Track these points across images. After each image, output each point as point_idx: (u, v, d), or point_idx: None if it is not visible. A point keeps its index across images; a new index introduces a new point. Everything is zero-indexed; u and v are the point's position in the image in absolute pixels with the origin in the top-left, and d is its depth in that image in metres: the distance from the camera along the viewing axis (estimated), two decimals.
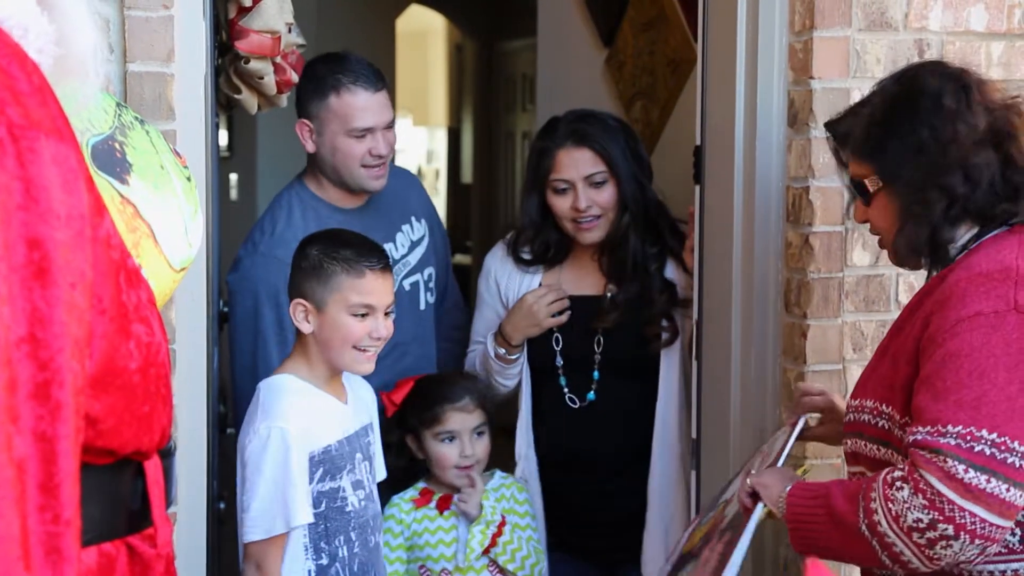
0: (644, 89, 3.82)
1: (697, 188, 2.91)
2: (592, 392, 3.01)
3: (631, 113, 3.86)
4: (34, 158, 1.04)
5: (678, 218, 3.06)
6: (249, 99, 2.83)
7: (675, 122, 3.65)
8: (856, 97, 2.68)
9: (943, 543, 1.68)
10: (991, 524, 1.67)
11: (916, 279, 2.72)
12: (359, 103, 2.90)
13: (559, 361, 3.03)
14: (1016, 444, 1.67)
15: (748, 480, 2.01)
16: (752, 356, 2.78)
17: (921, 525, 1.69)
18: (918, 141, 1.90)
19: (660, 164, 3.33)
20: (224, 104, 2.90)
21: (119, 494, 1.26)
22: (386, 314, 2.46)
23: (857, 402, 2.01)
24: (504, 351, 2.99)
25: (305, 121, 2.95)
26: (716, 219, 2.85)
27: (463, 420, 2.82)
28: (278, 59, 2.79)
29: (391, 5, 7.95)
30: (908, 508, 1.70)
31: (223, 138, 6.70)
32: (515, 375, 3.05)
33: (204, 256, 2.44)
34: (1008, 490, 1.66)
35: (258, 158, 6.86)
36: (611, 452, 3.00)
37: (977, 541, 1.68)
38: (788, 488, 1.92)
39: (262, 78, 2.77)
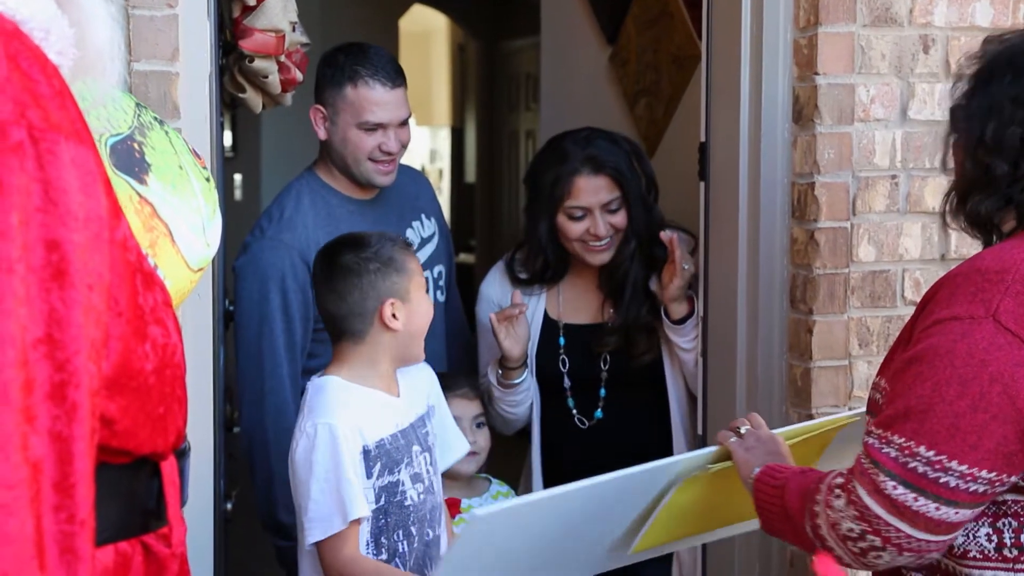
0: (648, 86, 3.82)
1: (702, 185, 2.91)
2: (599, 410, 3.02)
3: (635, 111, 3.86)
4: (53, 160, 1.04)
5: (673, 222, 3.03)
6: (254, 98, 2.84)
7: (679, 119, 3.65)
8: (861, 93, 2.69)
9: (874, 553, 1.70)
10: (917, 539, 1.67)
11: (921, 274, 2.73)
12: (374, 97, 2.87)
13: (567, 383, 3.03)
14: (954, 463, 1.64)
15: (732, 440, 1.98)
16: (758, 352, 2.78)
17: (853, 535, 1.70)
18: None
19: (665, 161, 3.33)
20: (228, 103, 2.91)
21: (135, 493, 1.26)
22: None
23: (875, 380, 2.00)
24: (502, 372, 2.97)
25: (319, 107, 2.93)
26: (721, 216, 2.85)
27: (463, 407, 2.84)
28: (282, 58, 2.80)
29: (394, 5, 7.96)
30: (843, 517, 1.71)
31: (227, 138, 6.71)
32: (520, 401, 3.01)
33: None
34: (937, 508, 1.66)
35: (262, 158, 6.87)
36: (622, 466, 3.00)
37: (906, 553, 1.70)
38: (757, 471, 1.89)
39: (266, 77, 2.77)
